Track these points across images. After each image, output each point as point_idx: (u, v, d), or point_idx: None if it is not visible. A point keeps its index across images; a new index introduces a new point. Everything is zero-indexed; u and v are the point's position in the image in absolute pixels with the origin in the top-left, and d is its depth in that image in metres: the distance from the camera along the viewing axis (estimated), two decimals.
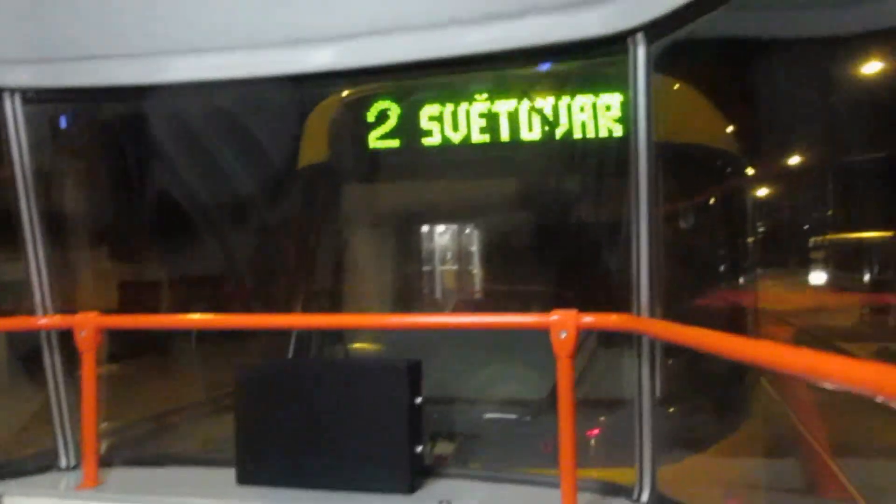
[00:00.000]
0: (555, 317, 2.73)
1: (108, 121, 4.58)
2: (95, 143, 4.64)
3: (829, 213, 16.08)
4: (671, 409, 3.82)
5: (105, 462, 3.30)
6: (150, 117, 4.30)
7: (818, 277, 16.32)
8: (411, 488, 2.95)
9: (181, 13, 3.18)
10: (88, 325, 3.05)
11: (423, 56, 2.90)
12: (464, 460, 3.85)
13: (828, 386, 1.65)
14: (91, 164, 4.86)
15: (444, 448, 3.96)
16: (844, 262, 15.77)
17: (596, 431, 3.89)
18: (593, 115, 4.12)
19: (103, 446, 3.44)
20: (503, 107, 4.21)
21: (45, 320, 3.39)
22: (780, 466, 4.58)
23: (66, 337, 3.23)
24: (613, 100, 4.06)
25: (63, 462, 3.43)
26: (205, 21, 3.18)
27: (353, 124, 4.50)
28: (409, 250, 5.62)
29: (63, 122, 4.05)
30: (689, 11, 2.60)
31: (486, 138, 4.23)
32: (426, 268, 5.98)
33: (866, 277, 15.05)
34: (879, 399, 1.46)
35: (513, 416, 4.11)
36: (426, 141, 4.28)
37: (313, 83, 3.27)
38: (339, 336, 4.72)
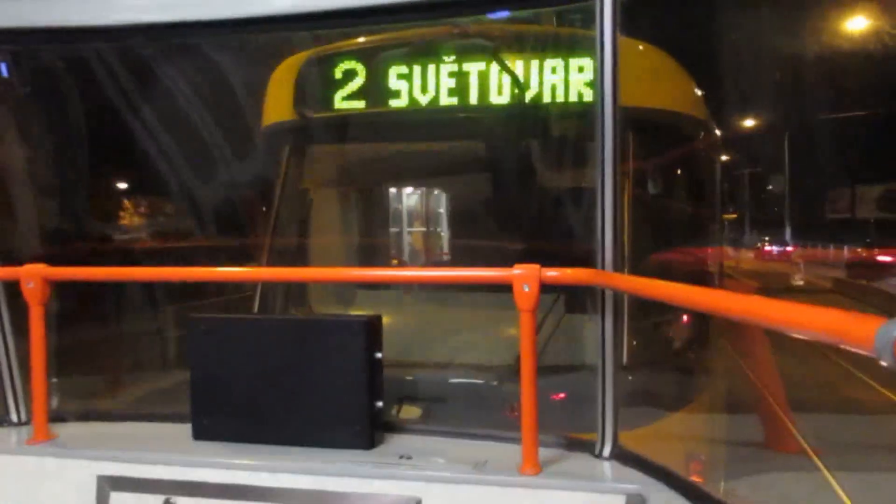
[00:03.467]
0: (517, 271, 2.69)
1: (52, 66, 4.39)
2: (39, 90, 4.44)
3: None
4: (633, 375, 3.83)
5: (57, 417, 3.22)
6: (100, 63, 4.13)
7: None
8: (371, 443, 2.91)
9: None
10: (35, 276, 2.93)
11: (377, 1, 2.80)
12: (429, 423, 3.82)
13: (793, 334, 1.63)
14: (34, 113, 4.66)
15: (410, 412, 3.94)
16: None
17: (562, 396, 3.89)
18: (565, 77, 4.06)
19: (55, 401, 3.35)
20: (473, 67, 4.13)
21: None
22: (739, 426, 4.64)
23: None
24: (586, 62, 4.00)
25: (14, 417, 3.35)
26: None
27: (319, 83, 4.40)
28: (376, 211, 5.55)
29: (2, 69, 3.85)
30: None
31: (454, 101, 4.16)
32: (394, 229, 5.89)
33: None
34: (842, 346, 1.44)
35: (479, 382, 4.10)
36: (393, 103, 4.19)
37: (264, 27, 3.12)
38: (303, 298, 4.66)
